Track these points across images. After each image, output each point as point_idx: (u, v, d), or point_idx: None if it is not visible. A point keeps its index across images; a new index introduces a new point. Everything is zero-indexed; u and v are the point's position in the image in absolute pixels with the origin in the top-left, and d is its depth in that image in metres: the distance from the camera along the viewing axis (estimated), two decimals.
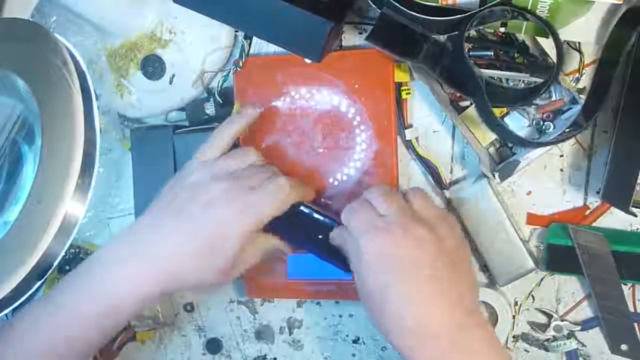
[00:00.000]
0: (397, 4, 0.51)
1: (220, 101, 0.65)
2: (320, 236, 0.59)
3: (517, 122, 0.59)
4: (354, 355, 0.69)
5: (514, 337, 0.63)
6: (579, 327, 0.62)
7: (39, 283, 0.56)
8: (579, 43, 0.56)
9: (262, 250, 0.58)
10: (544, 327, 0.62)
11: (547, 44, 0.55)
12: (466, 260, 0.54)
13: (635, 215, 0.53)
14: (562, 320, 0.62)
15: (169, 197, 0.57)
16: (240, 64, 0.63)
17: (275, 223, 0.58)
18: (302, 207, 0.59)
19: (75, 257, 0.72)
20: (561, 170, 0.60)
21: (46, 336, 0.53)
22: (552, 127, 0.57)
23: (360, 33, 0.62)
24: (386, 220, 0.52)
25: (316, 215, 0.59)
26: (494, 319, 0.63)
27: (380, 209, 0.53)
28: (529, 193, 0.61)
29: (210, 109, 0.66)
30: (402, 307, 0.49)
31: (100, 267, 0.54)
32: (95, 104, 0.57)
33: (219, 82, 0.65)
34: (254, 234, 0.56)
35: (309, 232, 0.59)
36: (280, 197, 0.55)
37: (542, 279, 0.62)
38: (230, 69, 0.64)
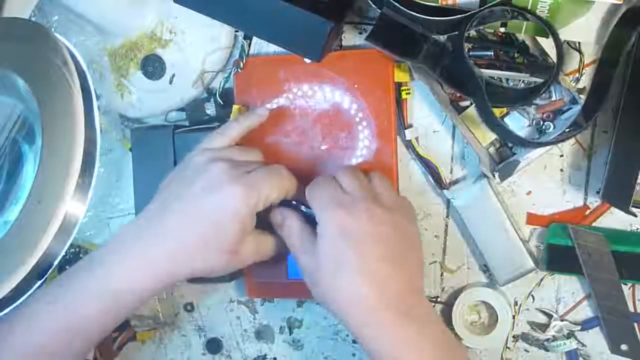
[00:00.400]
0: (397, 4, 0.52)
1: (221, 102, 0.65)
2: None
3: (517, 122, 0.59)
4: (354, 355, 0.69)
5: (514, 337, 0.63)
6: (579, 327, 0.62)
7: (39, 283, 0.56)
8: (579, 43, 0.56)
9: (264, 245, 0.58)
10: (544, 327, 0.62)
11: (547, 44, 0.55)
12: (418, 246, 0.57)
13: (635, 215, 0.53)
14: (562, 320, 0.62)
15: (169, 187, 0.57)
16: (241, 65, 0.63)
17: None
18: (301, 207, 0.59)
19: (76, 256, 0.72)
20: (561, 170, 0.60)
21: (45, 331, 0.52)
22: (552, 127, 0.57)
23: (360, 33, 0.62)
24: (350, 197, 0.54)
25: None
26: (494, 319, 0.63)
27: (345, 187, 0.55)
28: (529, 193, 0.61)
29: (210, 109, 0.66)
30: (355, 281, 0.51)
31: (99, 263, 0.54)
32: (95, 103, 0.57)
33: (220, 83, 0.65)
34: (255, 232, 0.57)
35: None
36: (277, 179, 0.56)
37: (542, 279, 0.62)
38: (231, 70, 0.64)
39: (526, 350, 0.64)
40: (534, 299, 0.63)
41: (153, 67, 0.65)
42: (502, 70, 0.57)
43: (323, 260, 0.53)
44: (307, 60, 0.61)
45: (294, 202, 0.59)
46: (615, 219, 0.59)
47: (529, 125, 0.58)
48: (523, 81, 0.57)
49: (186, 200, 0.55)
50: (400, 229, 0.55)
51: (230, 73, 0.64)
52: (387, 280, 0.52)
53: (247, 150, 0.60)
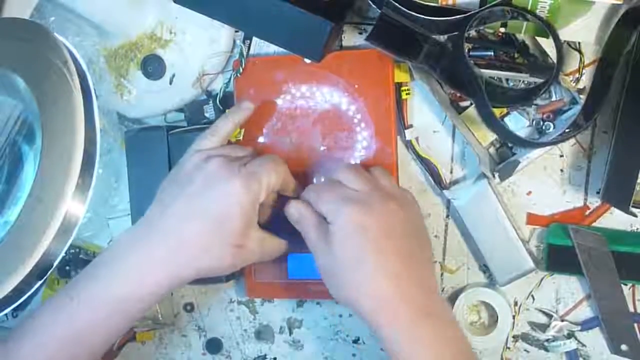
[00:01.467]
0: (397, 4, 0.52)
1: (221, 107, 0.65)
2: None
3: (517, 122, 0.59)
4: (354, 355, 0.69)
5: (514, 337, 0.63)
6: (579, 327, 0.62)
7: (39, 283, 0.56)
8: (579, 43, 0.56)
9: (268, 244, 0.58)
10: (544, 327, 0.62)
11: (547, 44, 0.55)
12: (428, 241, 0.58)
13: (635, 216, 0.53)
14: (562, 321, 0.62)
15: (166, 190, 0.57)
16: (240, 69, 0.63)
17: (274, 223, 0.58)
18: None
19: (75, 257, 0.72)
20: (561, 170, 0.60)
21: (51, 340, 0.52)
22: (552, 127, 0.57)
23: (360, 33, 0.62)
24: (361, 194, 0.54)
25: None
26: (494, 319, 0.63)
27: (351, 184, 0.55)
28: (529, 193, 0.61)
29: (209, 111, 0.66)
30: (373, 276, 0.51)
31: (102, 269, 0.54)
32: (95, 103, 0.57)
33: (221, 88, 0.65)
34: (259, 230, 0.57)
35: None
36: (273, 165, 0.57)
37: (542, 279, 0.62)
38: (232, 75, 0.64)
39: (526, 351, 0.64)
40: (534, 299, 0.63)
41: (153, 67, 0.65)
42: (502, 70, 0.57)
43: (340, 258, 0.53)
44: (307, 61, 0.61)
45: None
46: (615, 219, 0.59)
47: (529, 126, 0.58)
48: (523, 81, 0.57)
49: (186, 200, 0.55)
50: (411, 223, 0.55)
51: (230, 78, 0.64)
52: (403, 275, 0.52)
53: (239, 147, 0.61)
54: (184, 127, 0.67)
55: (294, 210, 0.57)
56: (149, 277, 0.54)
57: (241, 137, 0.63)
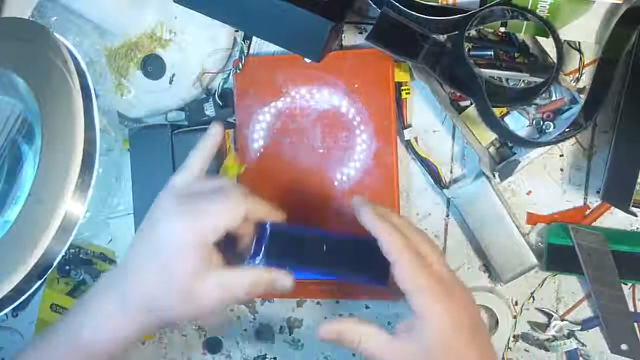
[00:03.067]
0: (397, 4, 0.52)
1: (220, 103, 0.65)
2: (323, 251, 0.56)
3: (517, 122, 0.59)
4: (354, 355, 0.68)
5: (514, 337, 0.63)
6: (579, 327, 0.62)
7: (39, 282, 0.56)
8: (579, 43, 0.56)
9: (231, 282, 0.50)
10: (544, 327, 0.62)
11: (547, 44, 0.55)
12: None
13: (635, 215, 0.54)
14: (562, 320, 0.62)
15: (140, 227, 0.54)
16: (240, 66, 0.63)
17: (273, 248, 0.54)
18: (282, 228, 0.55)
19: (75, 256, 0.72)
20: (561, 170, 0.60)
21: None
22: (552, 126, 0.57)
23: (360, 33, 0.62)
24: (443, 281, 0.48)
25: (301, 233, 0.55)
26: (494, 320, 0.63)
27: (431, 260, 0.50)
28: (529, 193, 0.61)
29: (209, 109, 0.66)
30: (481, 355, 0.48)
31: (75, 311, 0.52)
32: (95, 103, 0.57)
33: (219, 83, 0.65)
34: (220, 270, 0.50)
35: (306, 253, 0.56)
36: (224, 205, 0.50)
37: (544, 280, 0.62)
38: (230, 71, 0.64)
39: (526, 350, 0.64)
40: (534, 299, 0.63)
41: (153, 66, 0.65)
42: (502, 70, 0.57)
43: (431, 351, 0.47)
44: (307, 60, 0.61)
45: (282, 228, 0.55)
46: (615, 219, 0.59)
47: (529, 125, 0.58)
48: (523, 81, 0.57)
49: (140, 243, 0.52)
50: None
51: (229, 74, 0.64)
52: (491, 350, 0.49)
53: (210, 179, 0.54)
54: (187, 126, 0.67)
55: (339, 334, 0.52)
56: (112, 323, 0.50)
57: (242, 170, 0.63)
